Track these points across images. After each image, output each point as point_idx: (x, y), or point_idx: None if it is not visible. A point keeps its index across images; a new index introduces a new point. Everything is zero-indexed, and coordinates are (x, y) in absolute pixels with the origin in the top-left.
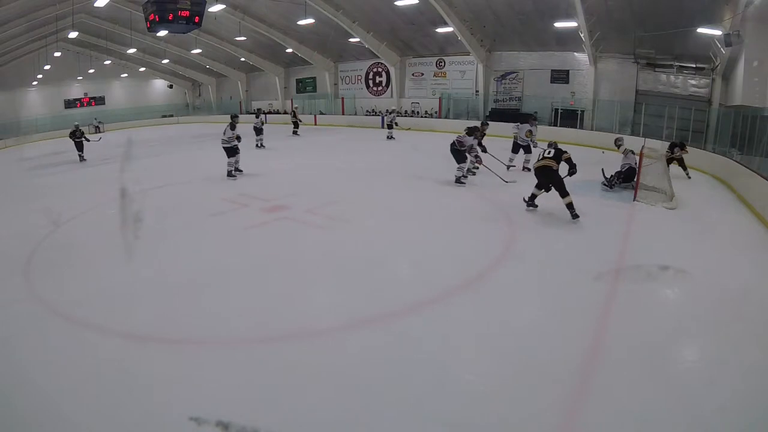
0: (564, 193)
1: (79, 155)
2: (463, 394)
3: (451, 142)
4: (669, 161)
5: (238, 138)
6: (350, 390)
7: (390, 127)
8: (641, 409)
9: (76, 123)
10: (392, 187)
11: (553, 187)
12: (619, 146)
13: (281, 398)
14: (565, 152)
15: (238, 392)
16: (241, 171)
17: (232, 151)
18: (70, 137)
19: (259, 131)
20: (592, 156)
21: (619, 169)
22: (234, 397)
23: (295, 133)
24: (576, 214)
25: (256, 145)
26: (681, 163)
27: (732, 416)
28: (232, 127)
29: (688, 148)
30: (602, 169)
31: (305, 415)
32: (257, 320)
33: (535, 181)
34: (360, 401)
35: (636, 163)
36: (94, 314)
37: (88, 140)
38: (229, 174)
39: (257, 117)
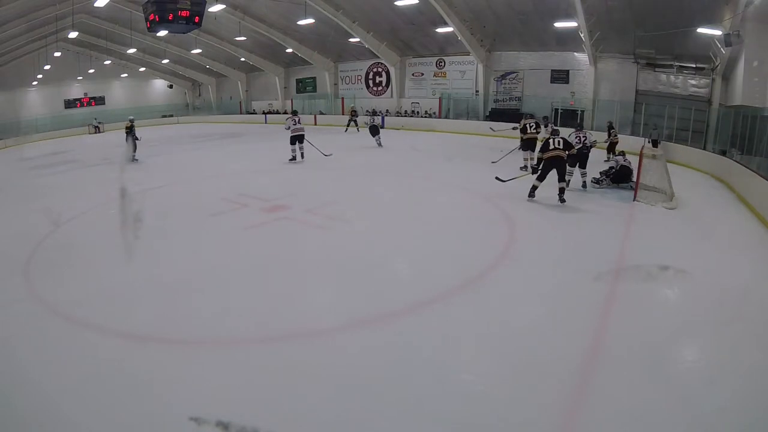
0: (563, 179)
1: (132, 155)
2: (463, 394)
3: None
4: (610, 146)
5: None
6: (350, 390)
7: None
8: (641, 409)
9: (131, 117)
10: (392, 187)
11: (556, 171)
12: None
13: (281, 398)
14: (570, 143)
15: (238, 392)
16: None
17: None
18: (127, 132)
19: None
20: (592, 156)
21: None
22: (234, 397)
23: (356, 129)
24: (564, 199)
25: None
26: (612, 147)
27: (732, 416)
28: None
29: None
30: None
31: (305, 415)
32: (257, 320)
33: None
34: (360, 401)
35: (626, 161)
36: (94, 314)
37: (138, 138)
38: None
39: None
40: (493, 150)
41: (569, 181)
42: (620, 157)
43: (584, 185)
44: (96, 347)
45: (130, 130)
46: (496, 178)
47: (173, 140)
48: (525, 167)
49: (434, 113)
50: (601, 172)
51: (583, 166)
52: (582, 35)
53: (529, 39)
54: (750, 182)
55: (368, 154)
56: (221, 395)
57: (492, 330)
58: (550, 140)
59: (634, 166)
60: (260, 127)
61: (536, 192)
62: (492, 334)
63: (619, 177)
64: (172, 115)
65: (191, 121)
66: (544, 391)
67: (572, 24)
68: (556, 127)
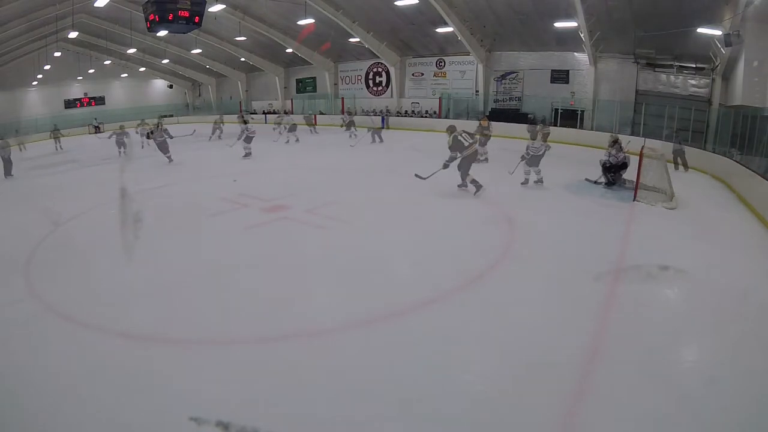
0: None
1: (168, 156)
2: (463, 394)
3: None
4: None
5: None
6: (350, 390)
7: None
8: (641, 409)
9: (158, 122)
10: (392, 188)
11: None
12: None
13: (281, 398)
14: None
15: (238, 392)
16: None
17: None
18: (149, 137)
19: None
20: (593, 156)
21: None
22: (234, 397)
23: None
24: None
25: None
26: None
27: (732, 416)
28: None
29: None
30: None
31: (305, 416)
32: (257, 320)
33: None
34: (360, 401)
35: (626, 159)
36: (94, 314)
37: (171, 137)
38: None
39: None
40: (494, 150)
41: (532, 181)
42: (621, 154)
43: (540, 181)
44: (96, 347)
45: (150, 135)
46: (416, 175)
47: (173, 140)
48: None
49: (434, 113)
50: (604, 165)
51: (536, 164)
52: (582, 35)
53: (529, 39)
54: (750, 182)
55: (368, 155)
56: (221, 395)
57: (492, 330)
58: (463, 139)
59: (632, 164)
60: (260, 127)
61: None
62: (492, 334)
63: (617, 175)
64: (172, 115)
65: (191, 122)
66: (544, 390)
67: (572, 24)
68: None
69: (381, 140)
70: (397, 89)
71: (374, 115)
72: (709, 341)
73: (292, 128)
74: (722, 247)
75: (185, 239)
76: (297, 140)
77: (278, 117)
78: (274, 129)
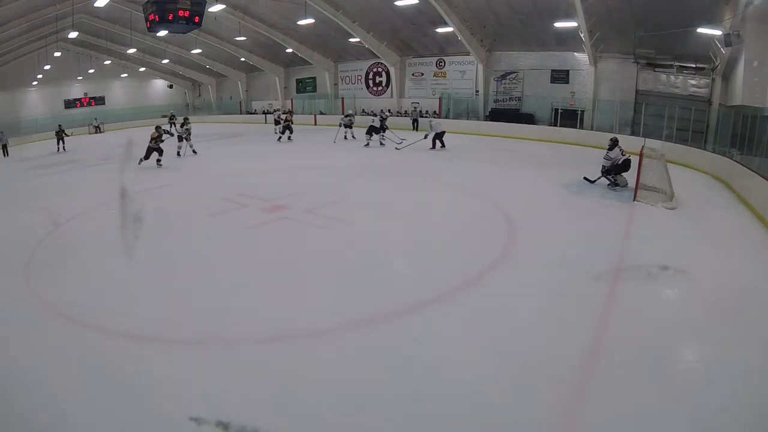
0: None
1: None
2: (463, 395)
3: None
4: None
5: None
6: (350, 390)
7: None
8: (641, 408)
9: (169, 120)
10: (392, 188)
11: None
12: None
13: (281, 398)
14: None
15: (238, 392)
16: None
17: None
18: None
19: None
20: (593, 156)
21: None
22: (234, 397)
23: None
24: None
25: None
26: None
27: (732, 416)
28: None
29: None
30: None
31: (305, 415)
32: (257, 320)
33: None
34: (360, 401)
35: (627, 158)
36: (94, 314)
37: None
38: None
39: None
40: (494, 150)
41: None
42: (621, 156)
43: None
44: (96, 347)
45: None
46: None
47: (173, 140)
48: None
49: (434, 113)
50: (604, 169)
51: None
52: (582, 35)
53: (529, 39)
54: (750, 182)
55: (367, 155)
56: (221, 395)
57: (492, 330)
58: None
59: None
60: (260, 127)
61: None
62: (492, 335)
63: (619, 176)
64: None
65: (191, 121)
66: (544, 391)
67: (572, 24)
68: None
69: (443, 145)
70: (397, 89)
71: (429, 117)
72: (709, 341)
73: (373, 131)
74: (722, 247)
75: (185, 239)
76: (382, 143)
77: (346, 117)
78: (346, 131)
